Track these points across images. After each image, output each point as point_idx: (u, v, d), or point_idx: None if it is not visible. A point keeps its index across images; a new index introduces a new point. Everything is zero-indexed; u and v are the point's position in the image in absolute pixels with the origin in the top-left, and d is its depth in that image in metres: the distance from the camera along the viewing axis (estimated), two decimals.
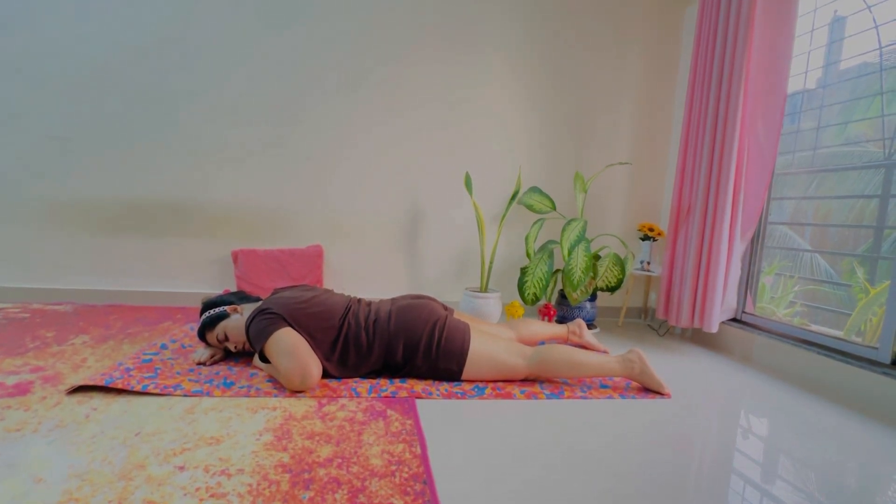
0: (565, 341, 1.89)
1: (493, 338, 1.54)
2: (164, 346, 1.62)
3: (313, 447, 1.03)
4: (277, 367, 1.33)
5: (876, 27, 1.79)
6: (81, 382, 1.26)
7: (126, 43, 2.23)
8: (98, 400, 1.20)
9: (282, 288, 1.59)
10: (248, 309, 1.57)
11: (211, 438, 1.04)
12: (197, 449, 0.99)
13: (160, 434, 1.05)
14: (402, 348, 1.45)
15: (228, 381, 1.38)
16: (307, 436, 1.08)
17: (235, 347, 1.53)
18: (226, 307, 1.54)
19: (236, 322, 1.52)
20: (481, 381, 1.49)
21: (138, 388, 1.26)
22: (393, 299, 1.59)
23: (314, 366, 1.31)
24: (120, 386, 1.26)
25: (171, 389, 1.28)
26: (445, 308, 1.60)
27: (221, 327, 1.51)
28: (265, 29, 2.31)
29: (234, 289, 2.37)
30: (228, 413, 1.17)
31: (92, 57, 2.21)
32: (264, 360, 1.43)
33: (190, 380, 1.36)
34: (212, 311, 1.53)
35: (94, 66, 2.22)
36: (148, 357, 1.50)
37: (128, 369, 1.37)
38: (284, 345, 1.32)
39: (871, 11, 1.79)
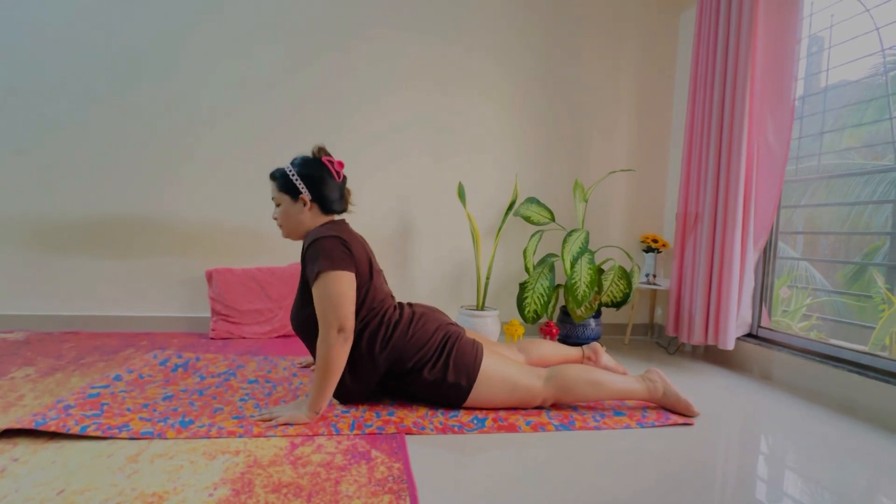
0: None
1: (506, 358, 1.39)
2: (117, 378, 1.42)
3: (279, 503, 0.84)
4: (322, 308, 1.19)
5: (878, 31, 1.72)
6: (6, 426, 1.06)
7: (92, 50, 2.08)
8: (23, 447, 1.00)
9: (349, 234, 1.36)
10: (317, 221, 1.34)
11: (152, 496, 0.84)
12: None
13: (89, 492, 0.85)
14: (411, 356, 1.29)
15: (187, 419, 1.18)
16: (272, 488, 0.89)
17: (275, 219, 1.36)
18: (304, 194, 1.31)
19: (297, 210, 1.32)
20: (490, 408, 1.32)
21: (75, 429, 1.06)
22: (410, 304, 1.44)
23: (352, 326, 1.21)
24: (53, 428, 1.06)
25: (116, 431, 1.08)
26: (458, 326, 1.45)
27: (281, 197, 1.33)
28: (243, 37, 2.18)
29: (213, 305, 2.17)
30: (180, 460, 0.98)
31: (51, 63, 2.06)
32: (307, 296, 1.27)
33: (141, 418, 1.16)
34: (295, 177, 1.30)
35: (54, 73, 2.07)
36: (95, 391, 1.30)
37: (67, 407, 1.17)
38: (341, 286, 1.19)
39: (873, 18, 1.72)
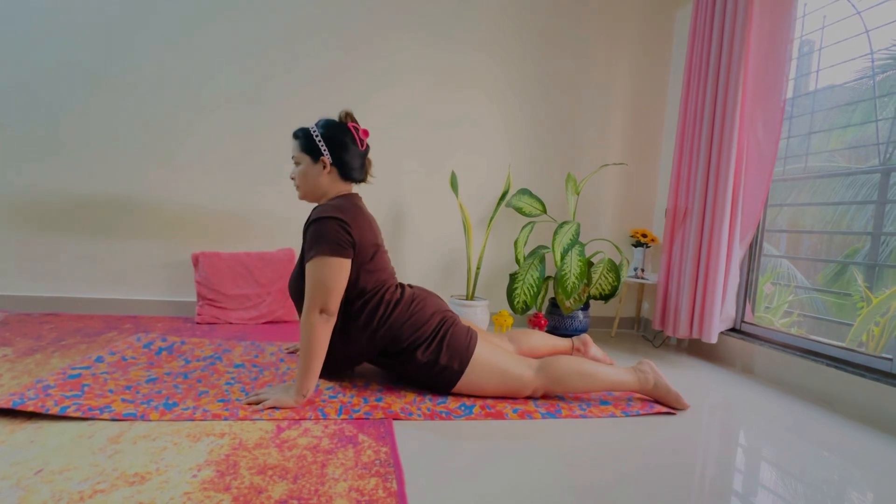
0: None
1: (499, 347, 1.40)
2: (99, 359, 1.39)
3: (264, 485, 0.83)
4: (310, 288, 1.19)
5: (867, 34, 1.74)
6: None
7: (81, 23, 2.01)
8: None
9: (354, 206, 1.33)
10: (335, 186, 1.33)
11: (134, 476, 0.83)
12: (113, 491, 0.78)
13: (69, 471, 0.83)
14: (407, 336, 1.29)
15: (171, 401, 1.16)
16: (258, 470, 0.88)
17: (293, 178, 1.35)
18: (325, 156, 1.29)
19: (316, 172, 1.30)
20: (480, 396, 1.32)
21: (55, 410, 1.04)
22: (411, 285, 1.44)
23: (335, 309, 1.21)
24: (31, 408, 1.03)
25: (97, 412, 1.06)
26: (454, 313, 1.46)
27: (302, 157, 1.31)
28: (234, 11, 2.13)
29: (199, 290, 2.13)
30: (163, 442, 0.96)
31: (38, 37, 1.99)
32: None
33: (123, 399, 1.14)
34: (318, 138, 1.28)
35: (40, 47, 2.00)
36: (76, 372, 1.27)
37: (47, 387, 1.15)
38: (333, 273, 1.19)
39: (864, 24, 1.74)
